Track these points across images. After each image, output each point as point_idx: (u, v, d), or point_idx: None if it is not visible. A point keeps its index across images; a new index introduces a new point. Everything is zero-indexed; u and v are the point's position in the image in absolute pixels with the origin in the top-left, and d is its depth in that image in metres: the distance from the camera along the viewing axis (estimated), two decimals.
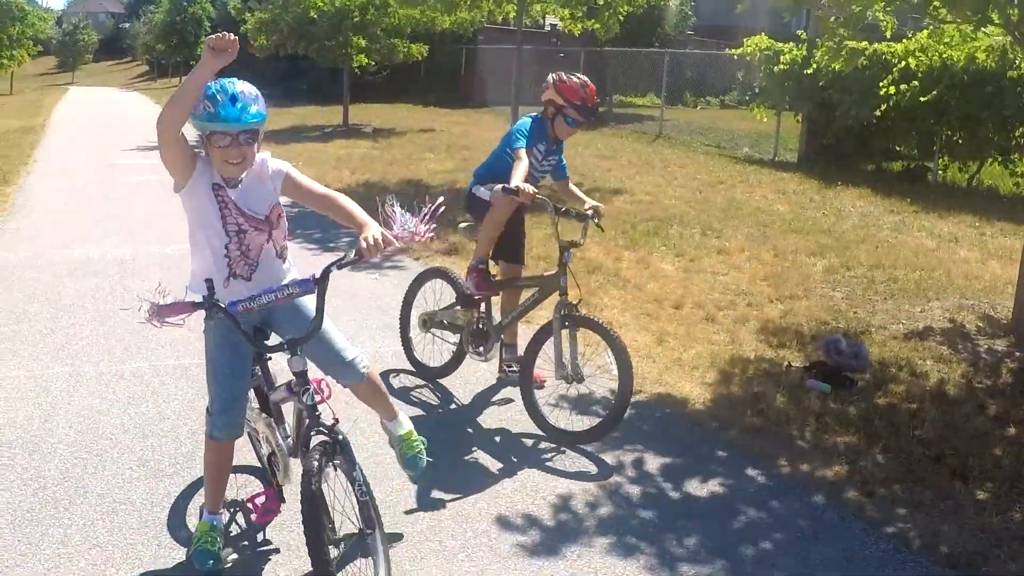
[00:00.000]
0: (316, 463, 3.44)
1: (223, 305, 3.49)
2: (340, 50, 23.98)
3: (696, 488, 4.90)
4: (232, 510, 4.31)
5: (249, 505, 4.18)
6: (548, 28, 37.12)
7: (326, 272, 3.60)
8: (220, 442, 3.93)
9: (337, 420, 3.66)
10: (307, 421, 3.67)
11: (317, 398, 3.69)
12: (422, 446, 4.28)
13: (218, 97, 3.50)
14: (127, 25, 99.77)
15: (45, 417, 5.46)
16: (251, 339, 3.68)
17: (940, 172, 17.01)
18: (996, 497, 4.82)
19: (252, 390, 4.20)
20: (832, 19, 7.63)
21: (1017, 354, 7.16)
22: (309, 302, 3.78)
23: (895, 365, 6.78)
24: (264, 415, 4.17)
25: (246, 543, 4.18)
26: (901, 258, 10.06)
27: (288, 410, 4.16)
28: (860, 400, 6.08)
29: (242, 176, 3.73)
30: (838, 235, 11.27)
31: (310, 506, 3.37)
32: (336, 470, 3.61)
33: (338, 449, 3.58)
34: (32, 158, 17.95)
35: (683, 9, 38.29)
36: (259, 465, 4.51)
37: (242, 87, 3.58)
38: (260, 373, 4.06)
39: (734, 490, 4.90)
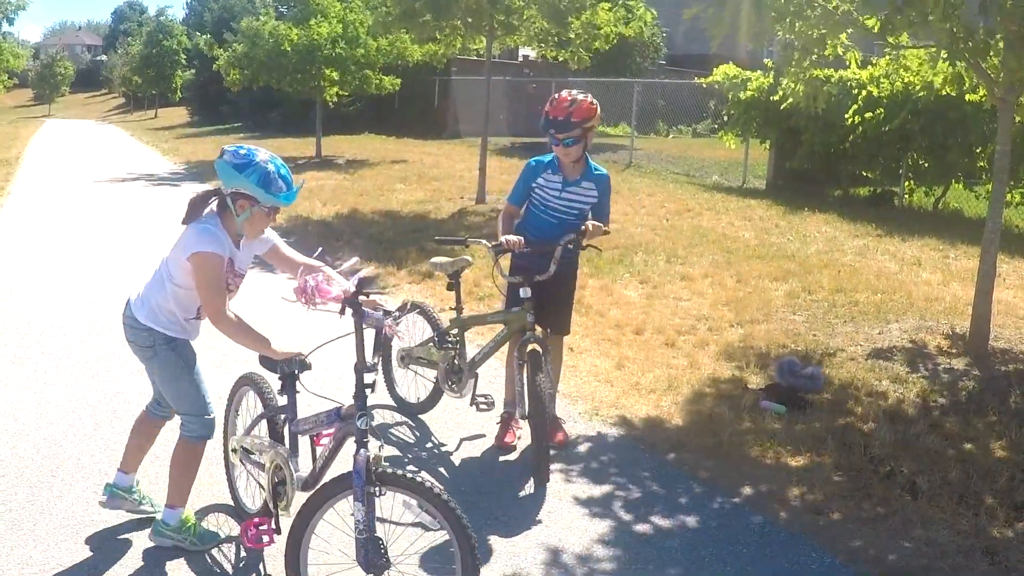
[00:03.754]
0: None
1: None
2: (312, 83, 24.05)
3: (647, 508, 4.99)
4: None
5: (247, 528, 4.15)
6: (521, 59, 37.40)
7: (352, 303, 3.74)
8: (206, 440, 4.37)
9: (382, 446, 3.74)
10: (358, 447, 3.61)
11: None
12: None
13: (289, 180, 4.06)
14: (104, 58, 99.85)
15: (13, 443, 5.53)
16: (363, 354, 3.73)
17: (906, 196, 17.22)
18: (943, 512, 4.93)
19: (265, 420, 4.32)
20: (794, 50, 7.77)
21: (974, 372, 7.29)
22: None
23: (851, 386, 6.90)
24: (279, 445, 4.17)
25: None
26: (863, 281, 10.20)
27: (304, 442, 4.18)
28: (814, 420, 6.19)
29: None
30: (802, 260, 11.41)
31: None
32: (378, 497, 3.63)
33: (393, 480, 3.59)
34: (6, 191, 17.94)
35: (655, 40, 38.58)
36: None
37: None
38: (284, 402, 4.17)
39: (684, 510, 4.99)
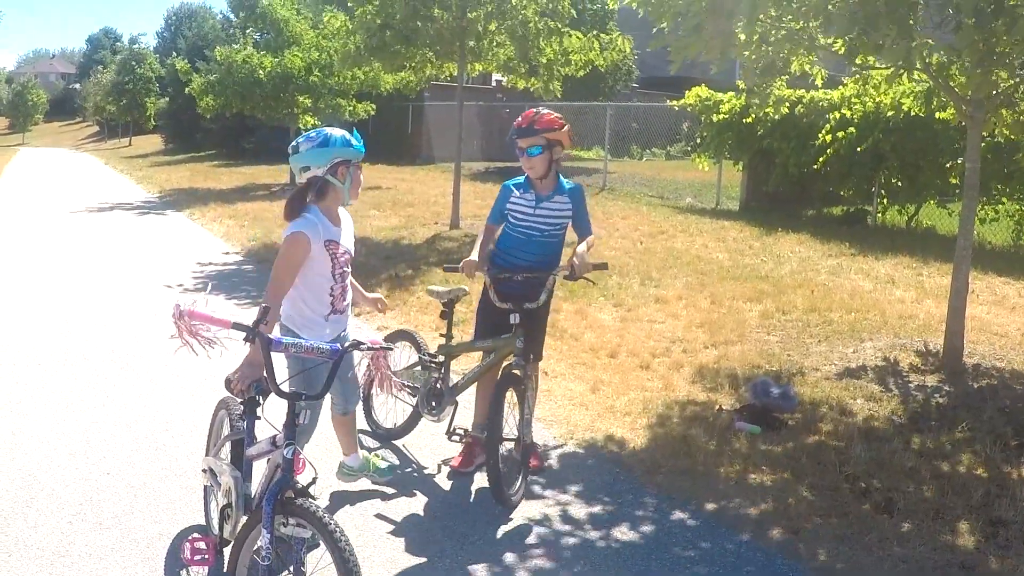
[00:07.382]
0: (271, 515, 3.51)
1: (271, 338, 3.64)
2: (285, 110, 24.02)
3: (623, 531, 4.96)
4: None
5: (187, 544, 4.17)
6: (494, 84, 37.48)
7: (351, 347, 3.74)
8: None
9: (315, 479, 3.68)
10: (279, 474, 3.59)
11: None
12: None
13: (352, 133, 4.43)
14: (77, 86, 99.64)
15: None
16: (275, 379, 3.65)
17: (879, 215, 17.31)
18: (919, 529, 4.93)
19: (229, 443, 4.29)
20: (756, 67, 7.80)
21: (947, 389, 7.30)
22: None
23: (825, 404, 6.90)
24: (234, 468, 4.15)
25: None
26: (837, 301, 10.23)
27: (259, 467, 4.15)
28: (789, 440, 6.19)
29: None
30: (775, 280, 11.44)
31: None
32: (285, 527, 3.57)
33: (299, 511, 3.52)
34: None
35: (628, 63, 38.74)
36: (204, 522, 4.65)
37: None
38: (243, 425, 4.15)
39: (660, 532, 4.96)
